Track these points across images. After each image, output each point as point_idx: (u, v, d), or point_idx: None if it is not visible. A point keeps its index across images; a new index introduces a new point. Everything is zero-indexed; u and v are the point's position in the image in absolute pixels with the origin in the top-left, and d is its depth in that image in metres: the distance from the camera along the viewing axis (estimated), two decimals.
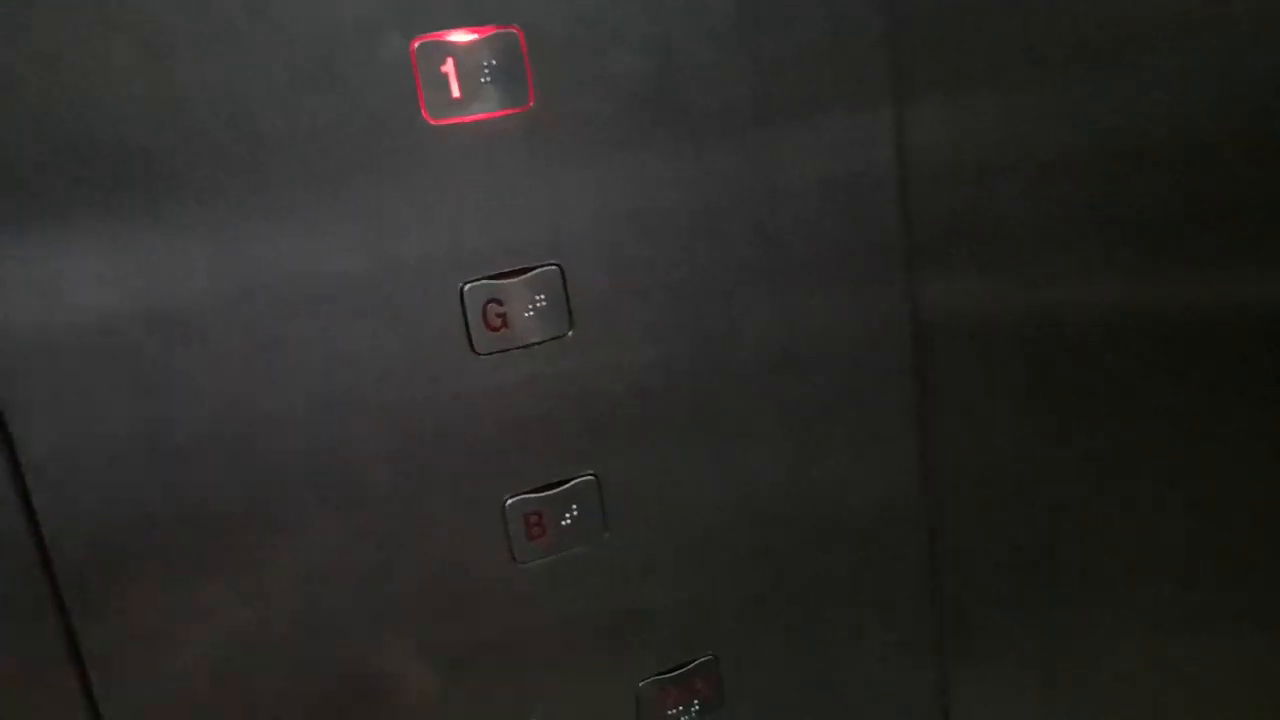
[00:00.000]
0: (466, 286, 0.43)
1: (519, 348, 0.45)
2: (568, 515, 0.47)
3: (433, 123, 0.41)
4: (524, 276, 0.44)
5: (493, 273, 0.44)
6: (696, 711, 0.51)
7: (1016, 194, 0.49)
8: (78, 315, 0.38)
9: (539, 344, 0.45)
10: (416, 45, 0.41)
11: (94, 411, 0.38)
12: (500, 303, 0.44)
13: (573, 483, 0.47)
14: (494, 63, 0.42)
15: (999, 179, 0.49)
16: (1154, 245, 0.45)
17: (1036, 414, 0.52)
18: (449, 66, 0.42)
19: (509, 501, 0.46)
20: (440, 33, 0.41)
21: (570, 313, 0.45)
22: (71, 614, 0.40)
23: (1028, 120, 0.48)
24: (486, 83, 0.42)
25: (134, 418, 0.39)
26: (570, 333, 0.45)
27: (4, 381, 0.37)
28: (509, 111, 0.43)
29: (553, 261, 0.45)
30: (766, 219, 0.48)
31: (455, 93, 0.42)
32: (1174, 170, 0.44)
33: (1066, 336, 0.50)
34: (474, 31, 0.42)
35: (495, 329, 0.44)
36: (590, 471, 0.47)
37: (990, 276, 0.51)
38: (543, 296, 0.45)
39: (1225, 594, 0.49)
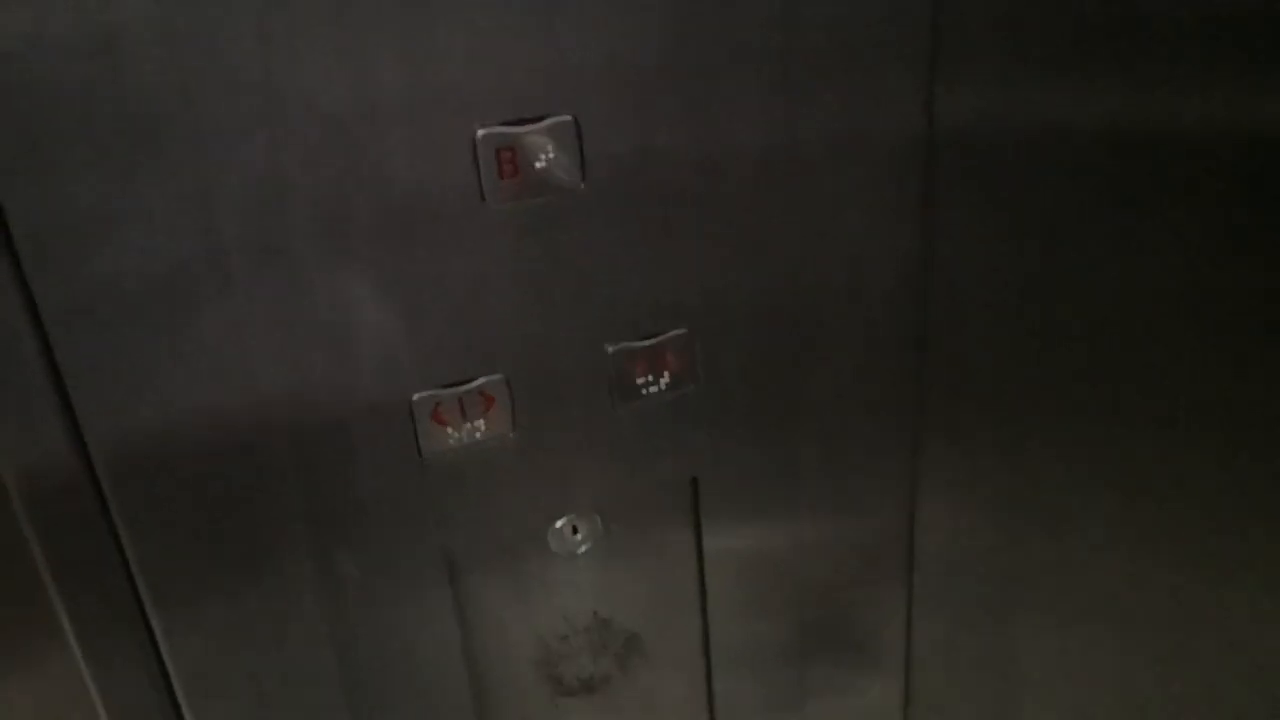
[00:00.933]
0: None
1: None
2: (543, 156, 0.44)
3: None
4: None
5: None
6: (667, 384, 0.50)
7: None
8: None
9: None
10: None
11: None
12: None
13: (549, 120, 0.43)
14: None
15: None
16: (1170, 57, 0.44)
17: (1037, 231, 0.51)
18: None
19: (480, 134, 0.42)
20: None
21: None
22: None
23: None
24: None
25: None
26: None
27: None
28: None
29: None
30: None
31: None
32: None
33: (1075, 152, 0.48)
34: None
35: None
36: (569, 113, 0.44)
37: (1009, 87, 0.48)
38: None
39: (1209, 412, 0.48)
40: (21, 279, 0.38)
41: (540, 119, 0.43)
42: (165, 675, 0.47)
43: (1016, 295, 0.52)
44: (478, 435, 0.48)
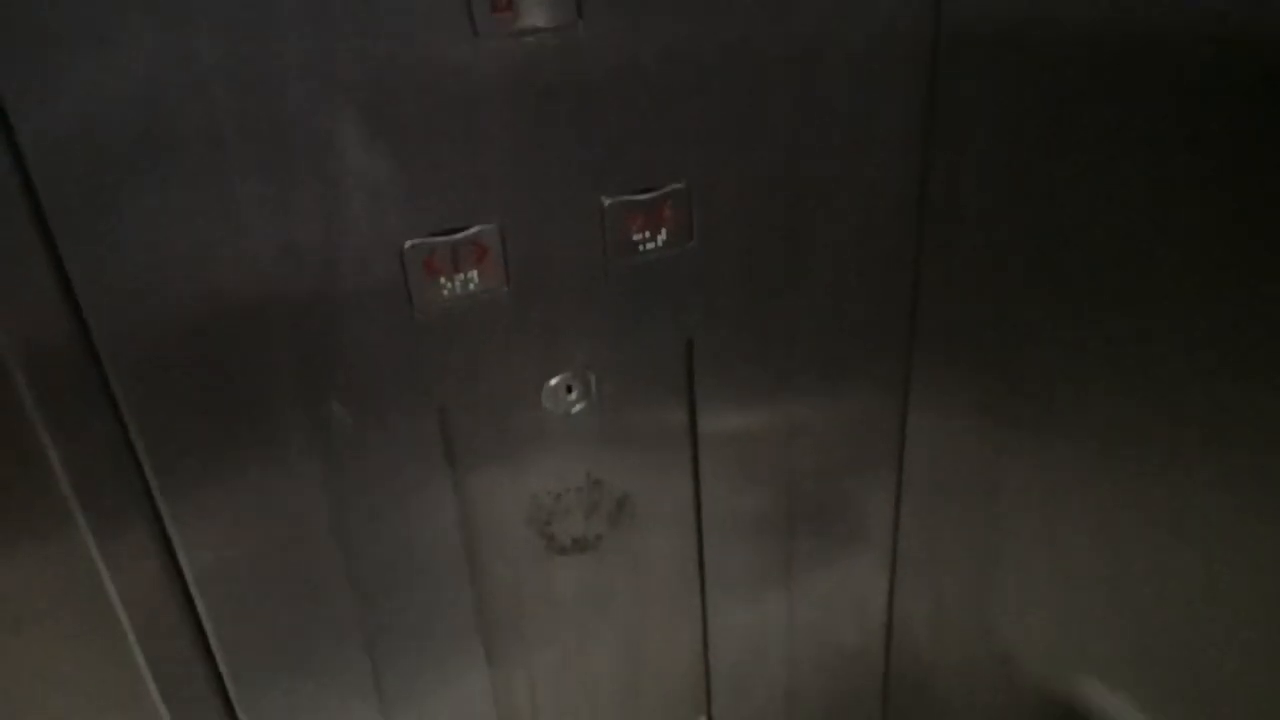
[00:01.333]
0: None
1: None
2: None
3: None
4: None
5: None
6: (664, 241, 0.49)
7: None
8: None
9: None
10: None
11: None
12: None
13: None
14: None
15: None
16: None
17: (1040, 130, 0.49)
18: None
19: None
20: None
21: None
22: None
23: None
24: None
25: None
26: None
27: None
28: None
29: None
30: None
31: None
32: None
33: (1078, 47, 0.46)
34: None
35: None
36: None
37: None
38: None
39: (1205, 320, 0.47)
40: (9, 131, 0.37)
41: None
42: (171, 547, 0.47)
43: (1016, 187, 0.51)
44: (471, 287, 0.47)
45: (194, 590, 0.48)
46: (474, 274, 0.46)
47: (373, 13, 0.40)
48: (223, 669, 0.50)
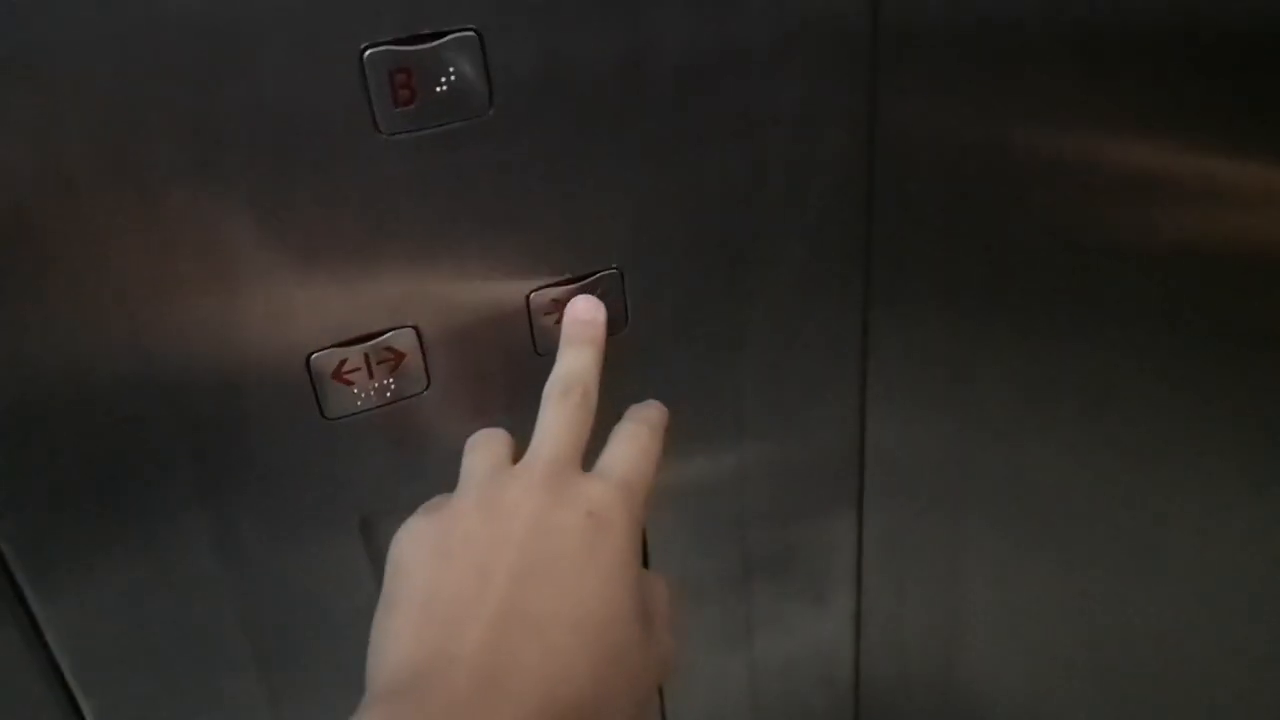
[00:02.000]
0: None
1: None
2: (443, 78, 0.38)
3: None
4: None
5: None
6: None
7: None
8: None
9: None
10: None
11: None
12: None
13: (449, 35, 0.37)
14: None
15: None
16: None
17: (990, 129, 0.46)
18: None
19: (368, 53, 0.37)
20: None
21: None
22: None
23: None
24: None
25: None
26: None
27: None
28: None
29: None
30: None
31: None
32: None
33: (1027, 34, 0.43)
34: None
35: None
36: (471, 27, 0.38)
37: None
38: None
39: (1171, 311, 0.45)
40: None
41: (438, 35, 0.37)
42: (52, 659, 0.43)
43: (966, 192, 0.49)
44: (388, 394, 0.43)
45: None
46: (390, 380, 0.43)
47: (259, 103, 0.36)
48: None
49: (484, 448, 0.42)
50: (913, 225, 0.51)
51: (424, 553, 0.37)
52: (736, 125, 0.45)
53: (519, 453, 0.41)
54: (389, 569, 0.38)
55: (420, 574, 0.37)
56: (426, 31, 0.37)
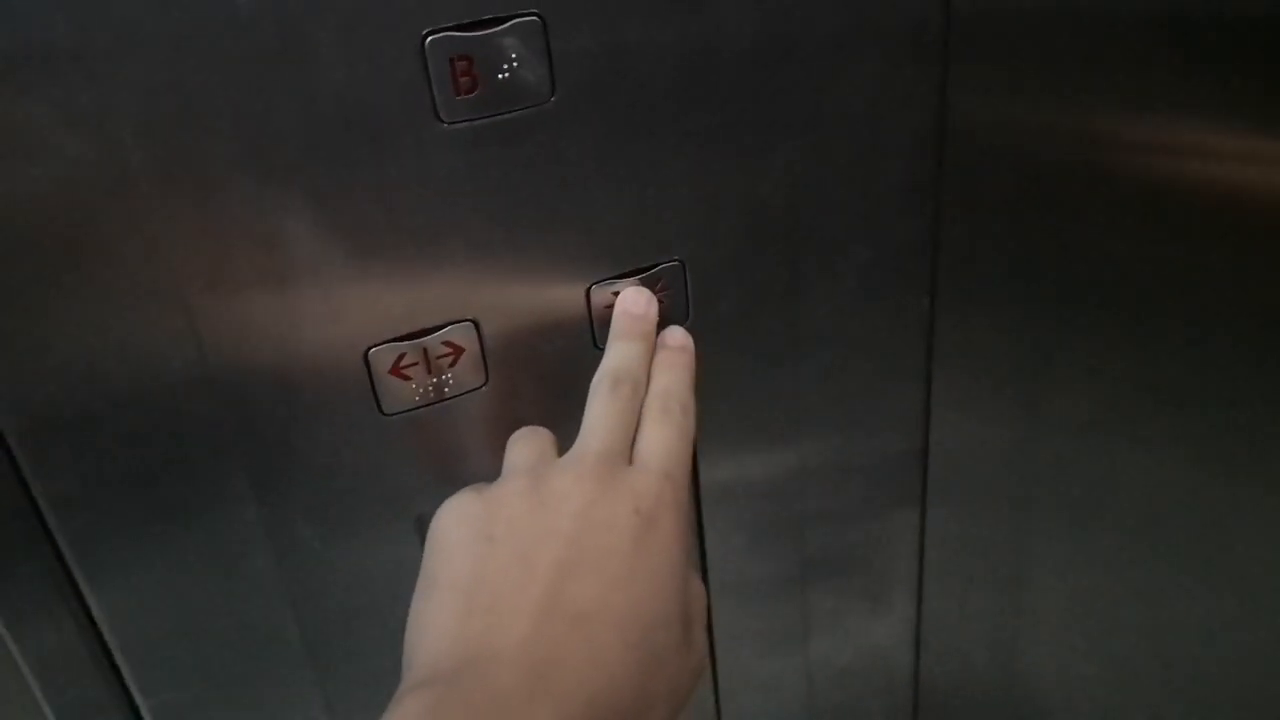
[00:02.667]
0: None
1: None
2: (505, 65, 0.37)
3: None
4: None
5: None
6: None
7: None
8: None
9: None
10: None
11: None
12: None
13: (511, 21, 0.36)
14: None
15: None
16: None
17: (1062, 125, 0.45)
18: None
19: (429, 40, 0.36)
20: None
21: None
22: None
23: None
24: None
25: None
26: None
27: None
28: None
29: None
30: None
31: None
32: None
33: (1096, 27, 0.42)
34: None
35: None
36: (534, 11, 0.37)
37: None
38: None
39: (1242, 312, 0.43)
40: None
41: (500, 20, 0.36)
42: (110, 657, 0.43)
43: (1037, 187, 0.47)
44: (446, 390, 0.42)
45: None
46: (449, 375, 0.42)
47: (318, 93, 0.35)
48: None
49: (527, 441, 0.41)
50: (981, 221, 0.50)
51: (467, 534, 0.36)
52: (802, 116, 0.43)
53: (561, 451, 0.40)
54: (429, 546, 0.37)
55: (462, 557, 0.36)
56: (488, 17, 0.36)
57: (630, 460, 0.39)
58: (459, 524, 0.37)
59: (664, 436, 0.40)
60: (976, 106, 0.46)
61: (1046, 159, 0.46)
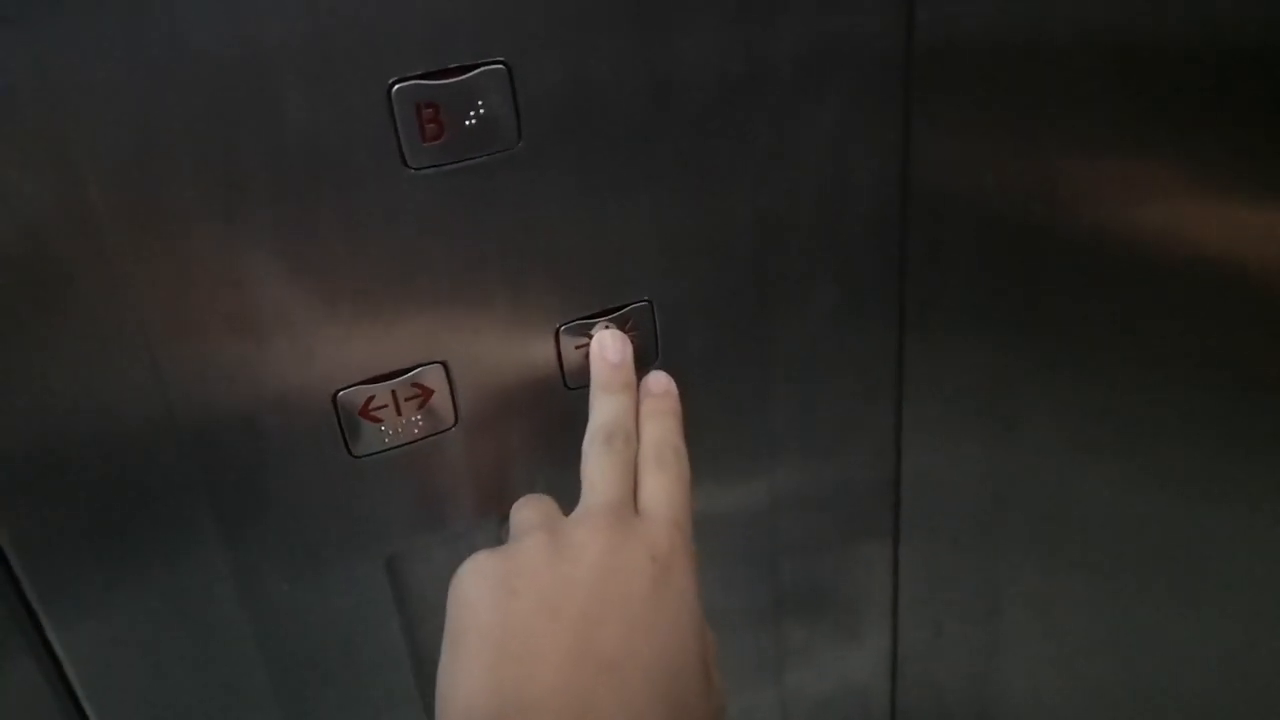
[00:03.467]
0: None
1: None
2: (471, 111, 0.37)
3: None
4: None
5: None
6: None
7: None
8: None
9: None
10: None
11: None
12: None
13: (478, 70, 0.37)
14: None
15: None
16: None
17: (1023, 149, 0.46)
18: None
19: (396, 88, 0.36)
20: None
21: None
22: None
23: None
24: None
25: None
26: None
27: None
28: None
29: None
30: None
31: None
32: None
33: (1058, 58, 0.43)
34: None
35: None
36: (499, 59, 0.37)
37: None
38: None
39: (1205, 345, 0.44)
40: None
41: (467, 69, 0.37)
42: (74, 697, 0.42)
43: (1000, 219, 0.48)
44: (416, 431, 0.42)
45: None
46: (418, 416, 0.42)
47: (284, 138, 0.35)
48: None
49: (532, 505, 0.41)
50: (947, 253, 0.50)
51: (489, 589, 0.36)
52: (767, 152, 0.44)
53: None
54: (452, 604, 0.37)
55: (487, 610, 0.36)
56: (454, 65, 0.37)
57: (636, 510, 0.39)
58: (480, 581, 0.37)
59: (664, 485, 0.40)
60: (939, 144, 0.47)
61: (1009, 193, 0.47)
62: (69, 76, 0.32)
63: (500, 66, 0.37)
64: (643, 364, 0.45)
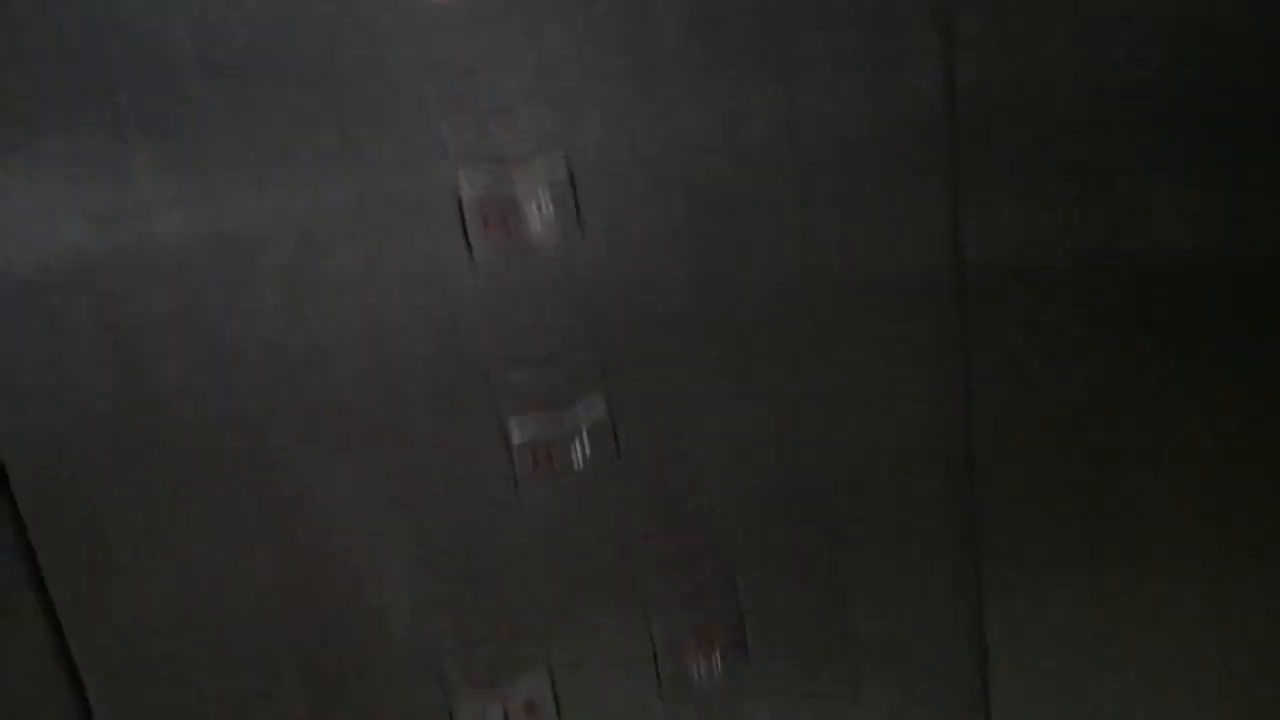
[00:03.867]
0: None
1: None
2: (577, 447, 0.42)
3: None
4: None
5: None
6: (720, 663, 0.47)
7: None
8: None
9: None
10: None
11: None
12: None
13: (579, 404, 0.42)
14: None
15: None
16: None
17: (1078, 351, 0.49)
18: None
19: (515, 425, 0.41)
20: None
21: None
22: None
23: None
24: None
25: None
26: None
27: None
28: None
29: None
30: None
31: None
32: None
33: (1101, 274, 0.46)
34: None
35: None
36: (600, 394, 0.42)
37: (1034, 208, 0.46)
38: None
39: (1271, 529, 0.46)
40: None
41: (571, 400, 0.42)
42: None
43: (1062, 425, 0.50)
44: None
45: None
46: None
47: (416, 465, 0.40)
48: None
49: None
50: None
51: None
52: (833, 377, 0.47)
53: None
54: None
55: None
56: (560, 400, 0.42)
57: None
58: None
59: None
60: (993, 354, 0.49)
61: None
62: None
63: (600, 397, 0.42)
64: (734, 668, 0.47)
